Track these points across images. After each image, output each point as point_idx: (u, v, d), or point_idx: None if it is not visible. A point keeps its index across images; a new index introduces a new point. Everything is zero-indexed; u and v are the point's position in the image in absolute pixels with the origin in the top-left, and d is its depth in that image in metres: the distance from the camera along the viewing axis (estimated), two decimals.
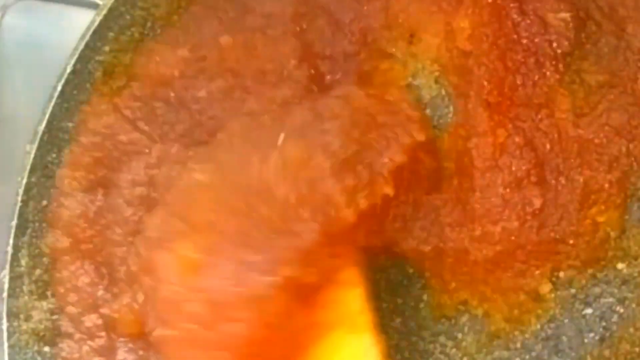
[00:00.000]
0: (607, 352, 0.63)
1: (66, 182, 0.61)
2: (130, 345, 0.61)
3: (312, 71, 0.63)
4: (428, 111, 0.64)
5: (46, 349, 0.63)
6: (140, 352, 0.61)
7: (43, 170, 0.62)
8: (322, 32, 0.64)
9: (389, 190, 0.60)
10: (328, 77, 0.64)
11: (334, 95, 0.62)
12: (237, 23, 0.63)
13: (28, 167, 0.62)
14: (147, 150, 0.62)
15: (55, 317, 0.62)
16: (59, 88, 0.62)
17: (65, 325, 0.62)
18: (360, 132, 0.59)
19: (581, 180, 0.62)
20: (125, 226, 0.62)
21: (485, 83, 0.62)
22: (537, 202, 0.62)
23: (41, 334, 0.62)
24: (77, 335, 0.62)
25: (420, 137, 0.61)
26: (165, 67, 0.63)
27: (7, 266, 0.61)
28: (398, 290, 0.64)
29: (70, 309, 0.62)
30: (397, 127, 0.61)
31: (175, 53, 0.63)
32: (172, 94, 0.63)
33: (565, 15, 0.62)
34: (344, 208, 0.58)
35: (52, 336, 0.63)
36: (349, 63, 0.64)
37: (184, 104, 0.63)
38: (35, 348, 0.62)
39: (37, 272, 0.63)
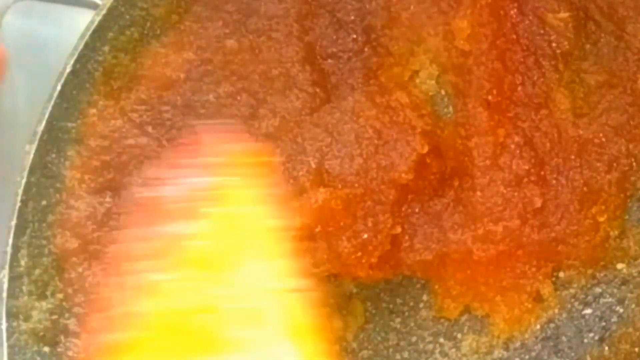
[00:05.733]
0: (606, 352, 0.63)
1: (75, 184, 0.61)
2: None
3: (316, 75, 0.63)
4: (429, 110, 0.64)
5: (46, 349, 0.62)
6: None
7: (43, 170, 0.62)
8: (325, 32, 0.64)
9: (397, 230, 0.62)
10: (333, 78, 0.64)
11: (342, 109, 0.62)
12: (241, 25, 0.63)
13: (27, 167, 0.62)
14: (156, 155, 0.62)
15: (54, 317, 0.62)
16: (59, 88, 0.62)
17: (73, 325, 0.62)
18: (365, 155, 0.61)
19: (581, 180, 0.62)
20: None
21: (485, 82, 0.62)
22: (538, 202, 0.62)
23: (41, 334, 0.62)
24: (84, 335, 0.61)
25: (424, 149, 0.61)
26: (171, 70, 0.63)
27: (7, 266, 0.61)
28: (398, 290, 0.65)
29: (78, 310, 0.62)
30: (401, 143, 0.61)
31: (180, 55, 0.63)
32: (178, 98, 0.63)
33: (565, 15, 0.63)
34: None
35: (52, 336, 0.62)
36: (353, 61, 0.64)
37: (192, 108, 0.63)
38: (35, 348, 0.62)
39: (37, 272, 0.62)
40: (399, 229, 0.62)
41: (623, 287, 0.63)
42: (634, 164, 0.63)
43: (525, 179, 0.62)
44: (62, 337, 0.62)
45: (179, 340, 0.52)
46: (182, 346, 0.52)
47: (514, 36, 0.63)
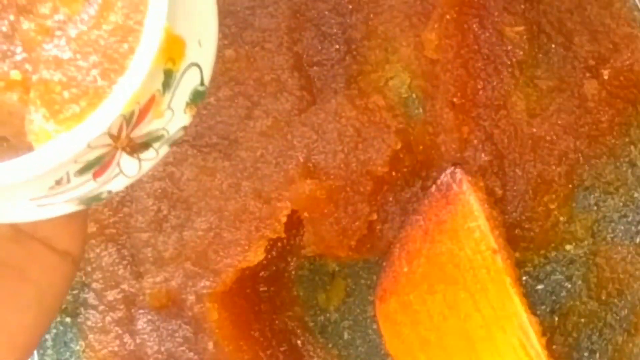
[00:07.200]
0: (556, 322, 0.65)
1: None
2: (149, 316, 0.63)
3: (304, 80, 0.64)
4: (402, 111, 0.65)
5: (67, 319, 0.64)
6: (157, 323, 0.63)
7: None
8: (311, 43, 0.65)
9: (373, 217, 0.63)
10: (318, 83, 0.65)
11: (326, 110, 0.63)
12: (238, 37, 0.64)
13: None
14: None
15: (75, 291, 0.64)
16: None
17: (91, 299, 0.63)
18: (347, 150, 0.63)
19: (535, 172, 0.64)
20: (147, 215, 0.63)
21: (451, 87, 0.64)
22: (499, 191, 0.64)
23: (63, 306, 0.63)
24: (101, 307, 0.63)
25: (398, 145, 0.63)
26: None
27: None
28: (375, 268, 0.66)
29: (95, 285, 0.63)
30: (378, 140, 0.62)
31: None
32: None
33: (520, 28, 0.64)
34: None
35: (73, 308, 0.64)
36: (336, 69, 0.65)
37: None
38: (58, 319, 0.64)
39: None
40: (374, 216, 0.63)
41: (571, 266, 0.65)
42: (581, 158, 0.64)
43: (489, 170, 0.64)
44: (81, 309, 0.64)
45: None
46: None
47: (476, 47, 0.64)
